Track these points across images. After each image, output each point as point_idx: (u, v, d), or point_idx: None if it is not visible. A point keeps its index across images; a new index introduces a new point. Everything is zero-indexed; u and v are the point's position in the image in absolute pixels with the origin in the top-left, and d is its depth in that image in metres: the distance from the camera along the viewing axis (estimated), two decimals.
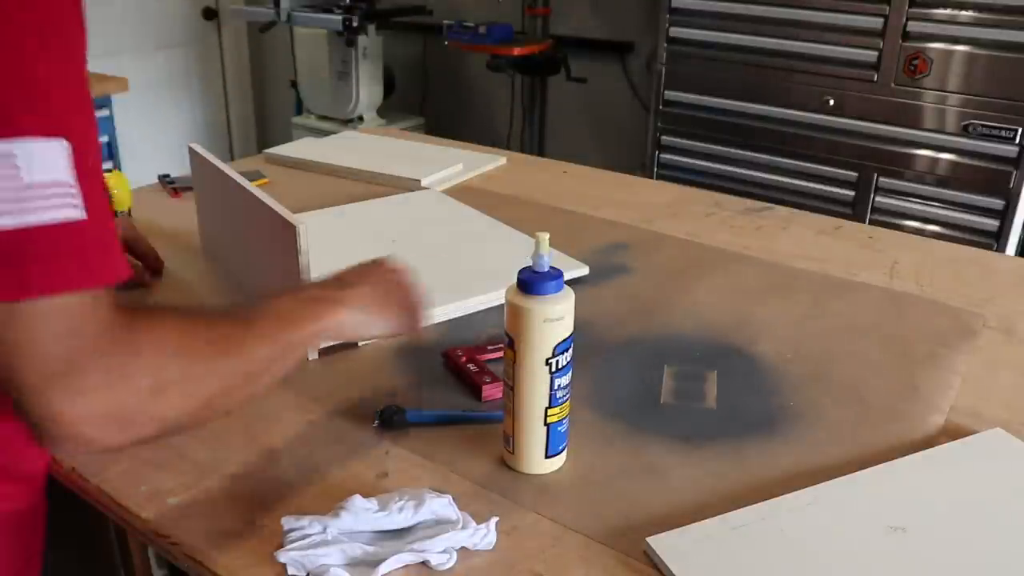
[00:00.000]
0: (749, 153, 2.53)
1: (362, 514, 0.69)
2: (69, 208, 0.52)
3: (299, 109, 3.77)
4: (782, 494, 0.76)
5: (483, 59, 3.27)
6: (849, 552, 0.69)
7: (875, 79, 2.27)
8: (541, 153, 3.40)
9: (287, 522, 0.69)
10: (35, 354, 0.52)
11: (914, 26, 2.18)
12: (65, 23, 0.54)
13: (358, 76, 3.41)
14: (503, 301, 0.76)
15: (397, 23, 3.59)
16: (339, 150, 1.76)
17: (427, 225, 1.38)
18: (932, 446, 0.84)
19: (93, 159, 0.54)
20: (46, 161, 0.51)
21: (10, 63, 0.51)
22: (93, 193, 0.54)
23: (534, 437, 0.78)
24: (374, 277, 0.82)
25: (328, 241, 1.05)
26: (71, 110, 0.54)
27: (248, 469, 0.80)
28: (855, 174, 2.38)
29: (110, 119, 2.89)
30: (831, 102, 2.35)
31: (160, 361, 0.57)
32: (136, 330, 0.57)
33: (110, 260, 0.55)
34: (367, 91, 3.47)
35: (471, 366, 0.94)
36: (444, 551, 0.68)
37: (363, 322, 0.78)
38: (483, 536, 0.70)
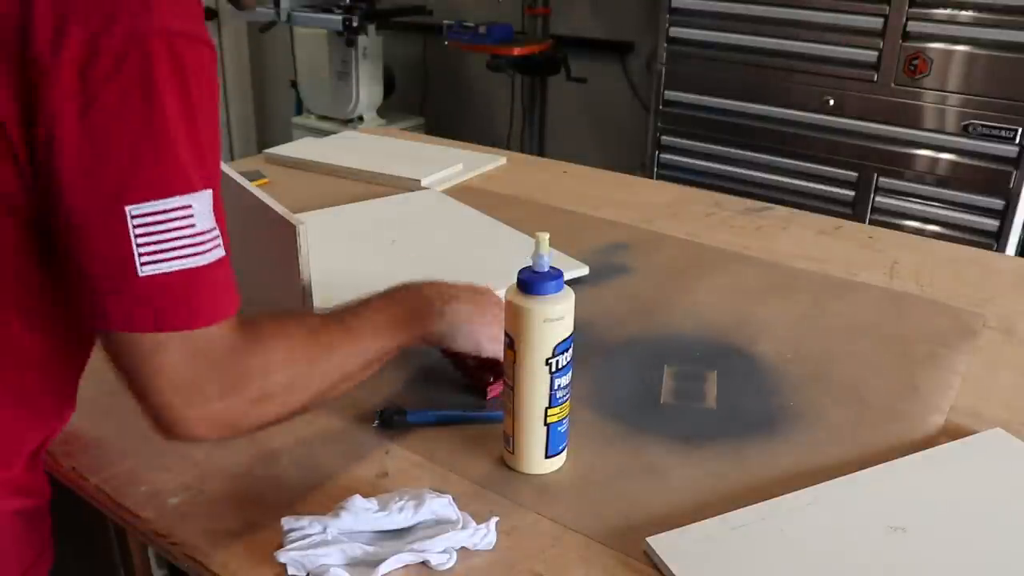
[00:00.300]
0: (749, 153, 2.53)
1: (362, 514, 0.69)
2: (219, 249, 0.62)
3: (299, 109, 3.77)
4: (782, 494, 0.76)
5: (483, 59, 3.27)
6: (849, 552, 0.69)
7: (875, 79, 2.27)
8: (541, 153, 3.40)
9: (287, 522, 0.69)
10: (170, 375, 0.61)
11: (914, 26, 2.18)
12: (216, 84, 0.63)
13: (358, 76, 3.41)
14: (503, 301, 0.76)
15: (397, 23, 3.59)
16: (339, 150, 1.76)
17: (427, 225, 1.38)
18: (932, 446, 0.84)
19: (220, 199, 0.63)
20: (204, 210, 0.60)
21: (195, 129, 0.60)
22: (224, 232, 0.63)
23: (534, 437, 0.78)
24: (480, 300, 0.88)
25: (328, 241, 1.05)
26: (217, 163, 0.63)
27: (248, 469, 0.80)
28: (855, 174, 2.37)
29: None
30: (831, 102, 2.35)
31: (267, 376, 0.66)
32: (250, 351, 0.65)
33: (234, 289, 0.64)
34: (367, 91, 3.47)
35: (471, 361, 0.94)
36: (444, 551, 0.68)
37: (453, 335, 0.85)
38: (483, 536, 0.70)
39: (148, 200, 0.58)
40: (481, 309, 0.87)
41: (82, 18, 0.56)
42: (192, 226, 0.59)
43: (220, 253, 0.62)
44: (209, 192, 0.61)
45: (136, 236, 0.58)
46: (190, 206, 0.59)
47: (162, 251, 0.59)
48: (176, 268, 0.59)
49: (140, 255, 0.58)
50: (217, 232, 0.62)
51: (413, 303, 0.83)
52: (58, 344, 0.71)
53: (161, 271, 0.59)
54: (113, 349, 0.62)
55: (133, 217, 0.58)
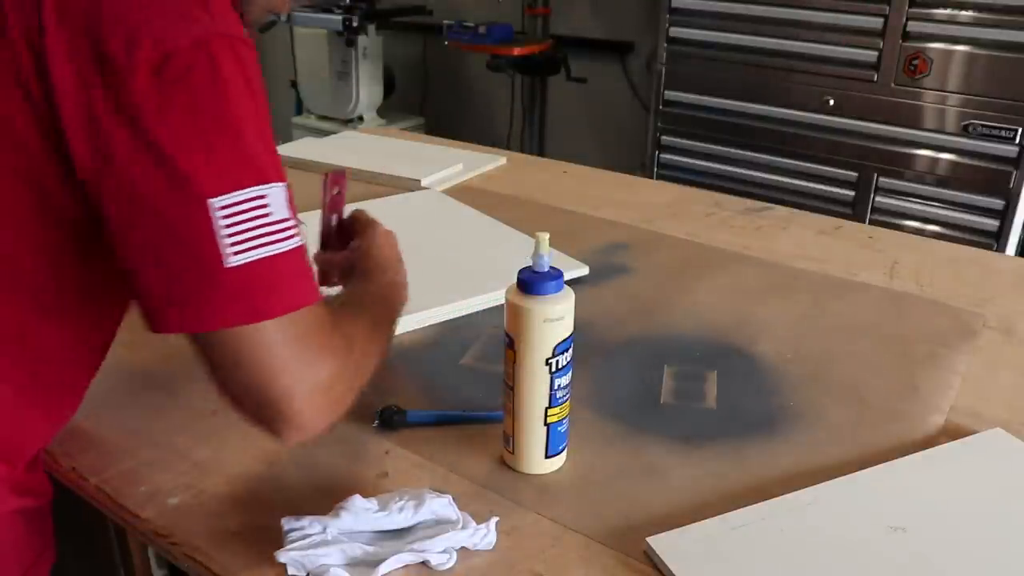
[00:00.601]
0: (749, 153, 2.53)
1: (362, 514, 0.69)
2: (296, 238, 0.63)
3: (299, 109, 3.77)
4: (782, 494, 0.76)
5: (483, 59, 3.27)
6: (849, 552, 0.69)
7: (875, 79, 2.27)
8: (541, 153, 3.40)
9: (287, 522, 0.69)
10: (281, 359, 0.62)
11: (914, 26, 2.18)
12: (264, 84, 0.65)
13: (358, 76, 3.41)
14: (503, 301, 0.76)
15: (397, 23, 3.59)
16: (339, 150, 1.76)
17: (427, 225, 1.38)
18: (932, 446, 0.84)
19: (290, 190, 0.65)
20: (279, 201, 0.62)
21: (260, 125, 0.63)
22: (298, 224, 0.64)
23: (534, 437, 0.78)
24: (396, 246, 0.92)
25: None
26: (279, 157, 0.65)
27: (248, 469, 0.80)
28: (855, 174, 2.38)
29: None
30: (831, 102, 2.35)
31: (354, 346, 0.70)
32: (336, 325, 0.68)
33: (314, 274, 0.67)
34: (367, 91, 3.47)
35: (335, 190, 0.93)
36: (444, 551, 0.68)
37: (407, 295, 0.90)
38: (483, 536, 0.70)
39: (227, 192, 0.60)
40: (395, 250, 0.92)
41: (151, 25, 0.59)
42: (269, 215, 0.61)
43: (299, 241, 0.64)
44: (282, 185, 0.63)
45: (220, 228, 0.59)
46: (265, 196, 0.61)
47: (247, 240, 0.60)
48: (262, 255, 0.61)
49: (226, 246, 0.60)
50: (294, 222, 0.64)
51: (390, 282, 0.87)
52: (77, 341, 0.72)
53: (249, 259, 0.60)
54: (211, 351, 0.63)
55: (216, 210, 0.59)
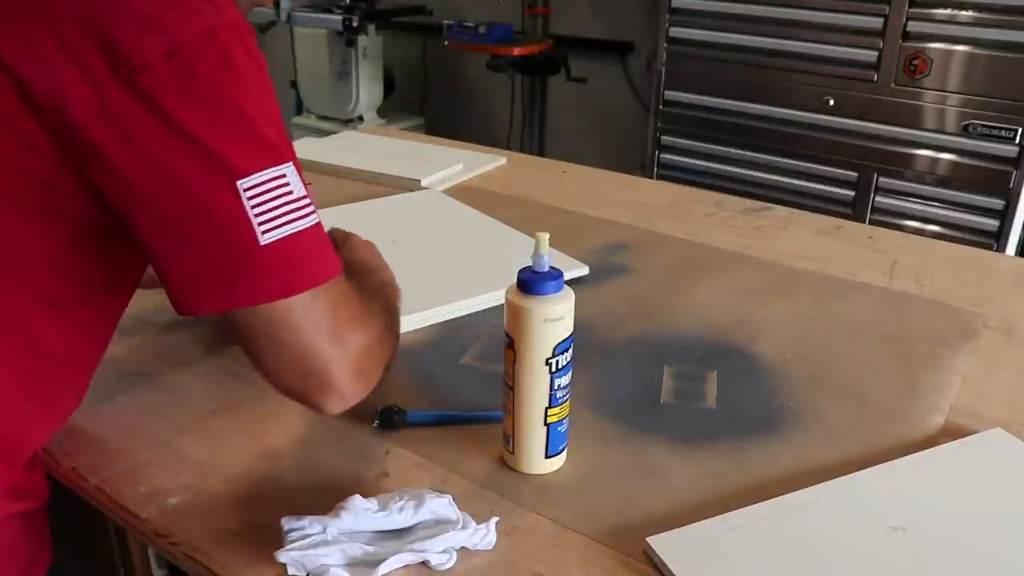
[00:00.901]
0: (749, 153, 2.53)
1: (362, 514, 0.69)
2: (314, 215, 0.65)
3: (299, 109, 3.77)
4: (782, 494, 0.76)
5: (483, 59, 3.27)
6: (849, 552, 0.69)
7: (875, 79, 2.27)
8: (541, 153, 3.40)
9: (287, 522, 0.69)
10: (316, 327, 0.65)
11: (914, 26, 2.18)
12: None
13: (358, 76, 3.41)
14: (503, 301, 0.76)
15: (397, 23, 3.59)
16: (339, 150, 1.76)
17: (427, 225, 1.38)
18: (932, 446, 0.84)
19: (300, 168, 0.66)
20: (295, 180, 0.64)
21: (272, 107, 0.65)
22: (313, 201, 0.66)
23: (534, 437, 0.78)
24: (373, 254, 0.95)
25: None
26: (288, 137, 0.67)
27: (248, 469, 0.80)
28: (855, 174, 2.38)
29: None
30: (831, 102, 2.35)
31: (376, 317, 0.74)
32: (360, 296, 0.71)
33: (334, 248, 0.69)
34: (367, 91, 3.47)
35: None
36: (444, 551, 0.68)
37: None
38: (483, 536, 0.70)
39: (252, 173, 0.62)
40: (377, 256, 0.95)
41: (160, 18, 0.60)
42: (291, 193, 0.63)
43: (317, 217, 0.66)
44: (293, 163, 0.65)
45: (250, 208, 0.61)
46: (285, 175, 0.63)
47: (275, 218, 0.62)
48: (290, 232, 0.63)
49: (258, 225, 0.62)
50: (309, 199, 0.65)
51: (384, 281, 0.90)
52: (79, 337, 0.73)
53: (279, 236, 0.62)
54: (248, 328, 0.65)
55: (245, 190, 0.61)
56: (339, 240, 0.95)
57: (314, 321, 0.65)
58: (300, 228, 0.64)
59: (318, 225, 0.66)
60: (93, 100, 0.59)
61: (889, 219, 2.33)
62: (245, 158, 0.62)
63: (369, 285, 0.84)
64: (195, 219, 0.62)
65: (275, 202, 0.62)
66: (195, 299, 0.64)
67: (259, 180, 0.62)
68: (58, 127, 0.60)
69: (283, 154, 0.64)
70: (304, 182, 0.66)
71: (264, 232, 0.62)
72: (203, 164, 0.61)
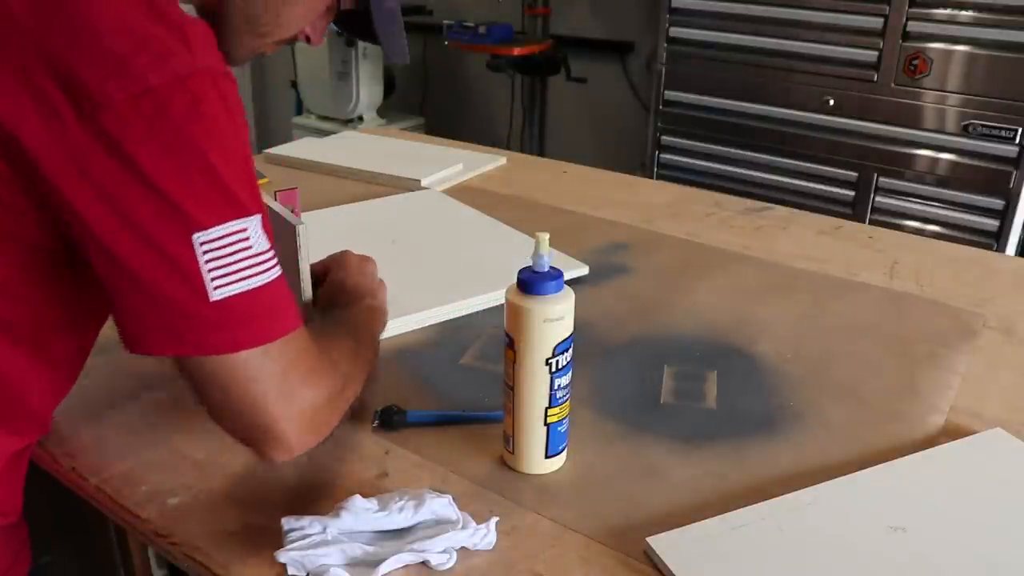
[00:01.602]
0: (749, 153, 2.53)
1: (362, 514, 0.69)
2: (277, 268, 0.64)
3: (299, 109, 3.77)
4: (782, 494, 0.76)
5: (483, 59, 3.27)
6: (849, 552, 0.69)
7: (875, 79, 2.27)
8: (541, 153, 3.40)
9: (287, 522, 0.69)
10: (266, 386, 0.64)
11: (914, 26, 2.18)
12: (246, 115, 0.66)
13: (358, 76, 3.41)
14: (503, 301, 0.76)
15: None
16: (339, 150, 1.76)
17: (427, 225, 1.38)
18: (932, 446, 0.84)
19: (268, 221, 0.65)
20: (256, 234, 0.63)
21: (241, 157, 0.63)
22: (277, 253, 0.65)
23: (534, 437, 0.78)
24: (369, 274, 0.95)
25: (328, 241, 1.05)
26: (259, 188, 0.66)
27: (248, 469, 0.80)
28: (855, 174, 2.37)
29: None
30: (831, 102, 2.35)
31: (338, 368, 0.72)
32: (319, 350, 0.70)
33: (294, 302, 0.68)
34: (367, 91, 3.47)
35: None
36: (444, 551, 0.68)
37: (387, 318, 0.94)
38: (483, 536, 0.70)
39: (211, 226, 0.60)
40: (374, 279, 0.96)
41: (129, 61, 0.58)
42: (249, 248, 0.62)
43: (278, 271, 0.65)
44: (259, 216, 0.64)
45: (204, 262, 0.60)
46: (246, 228, 0.62)
47: (229, 274, 0.61)
48: (243, 289, 0.62)
49: (210, 280, 0.61)
50: (272, 252, 0.65)
51: (369, 307, 0.90)
52: (43, 367, 0.72)
53: (231, 293, 0.61)
54: (196, 376, 0.65)
55: (201, 244, 0.60)
56: (335, 258, 0.96)
57: (263, 377, 0.64)
58: (255, 285, 0.62)
59: (276, 281, 0.64)
60: (53, 134, 0.58)
61: (889, 219, 2.33)
62: (205, 210, 0.60)
63: (345, 320, 0.85)
64: (148, 264, 0.60)
65: (231, 257, 0.61)
66: (143, 341, 0.63)
67: (217, 234, 0.61)
68: (16, 156, 0.59)
69: (246, 207, 0.62)
70: (270, 234, 0.65)
71: (216, 288, 0.61)
72: (160, 212, 0.59)
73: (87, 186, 0.59)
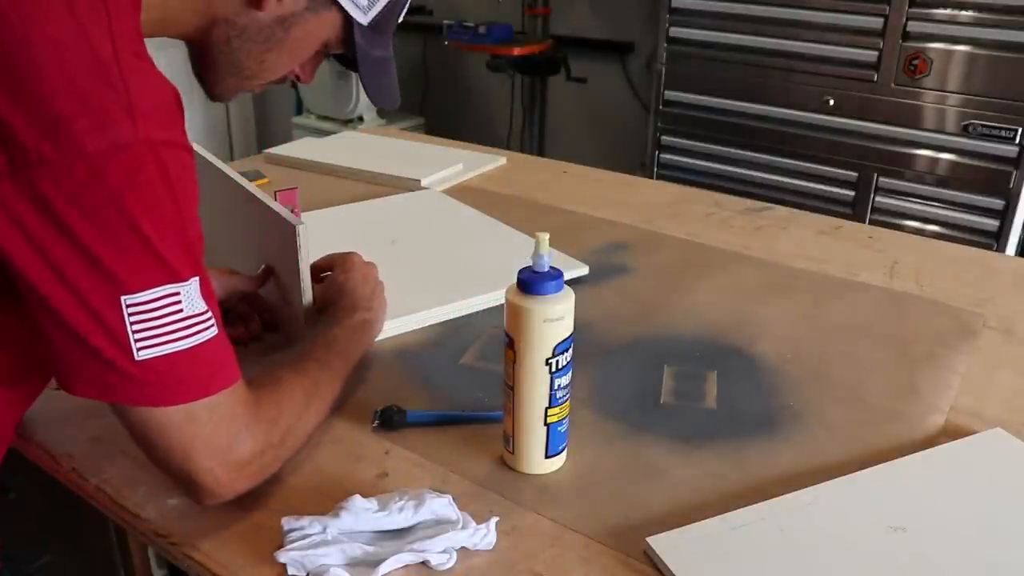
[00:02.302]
0: (749, 153, 2.53)
1: (362, 514, 0.69)
2: (212, 328, 0.65)
3: (299, 109, 3.77)
4: (782, 494, 0.76)
5: (483, 59, 3.27)
6: (849, 552, 0.69)
7: (875, 79, 2.27)
8: (541, 153, 3.40)
9: (287, 522, 0.69)
10: (206, 442, 0.66)
11: (914, 26, 2.18)
12: (196, 182, 0.66)
13: (358, 76, 3.40)
14: (503, 301, 0.76)
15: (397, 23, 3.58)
16: (339, 150, 1.76)
17: (427, 225, 1.38)
18: (932, 446, 0.84)
19: (208, 283, 0.66)
20: (192, 296, 0.64)
21: (180, 224, 0.63)
22: (216, 311, 0.66)
23: (534, 437, 0.78)
24: (371, 281, 0.97)
25: (328, 241, 1.05)
26: (202, 252, 0.66)
27: None
28: (855, 174, 2.38)
29: None
30: (831, 102, 2.35)
31: (281, 419, 0.74)
32: (262, 402, 0.72)
33: (233, 358, 0.69)
34: None
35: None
36: (444, 551, 0.68)
37: (380, 327, 0.98)
38: (483, 536, 0.70)
39: (140, 291, 0.61)
40: (373, 286, 0.98)
41: (72, 123, 0.58)
42: (180, 311, 0.63)
43: (213, 332, 0.66)
44: (196, 279, 0.64)
45: (131, 324, 0.61)
46: (178, 293, 0.63)
47: (156, 337, 0.62)
48: (169, 351, 0.63)
49: (136, 341, 0.62)
50: (209, 313, 0.65)
51: (354, 325, 0.92)
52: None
53: (156, 355, 0.62)
54: (122, 419, 0.66)
55: (128, 307, 0.61)
56: (340, 256, 0.96)
57: (190, 433, 0.65)
58: (183, 347, 0.63)
59: (210, 341, 0.65)
60: None
61: (889, 219, 2.33)
62: (134, 275, 0.61)
63: (325, 346, 0.86)
64: (77, 317, 0.61)
65: (159, 321, 0.62)
66: (71, 382, 0.64)
67: (146, 298, 0.61)
68: None
69: (179, 274, 0.63)
70: (210, 294, 0.65)
71: (140, 349, 0.62)
72: (90, 272, 0.60)
73: (20, 236, 0.59)
